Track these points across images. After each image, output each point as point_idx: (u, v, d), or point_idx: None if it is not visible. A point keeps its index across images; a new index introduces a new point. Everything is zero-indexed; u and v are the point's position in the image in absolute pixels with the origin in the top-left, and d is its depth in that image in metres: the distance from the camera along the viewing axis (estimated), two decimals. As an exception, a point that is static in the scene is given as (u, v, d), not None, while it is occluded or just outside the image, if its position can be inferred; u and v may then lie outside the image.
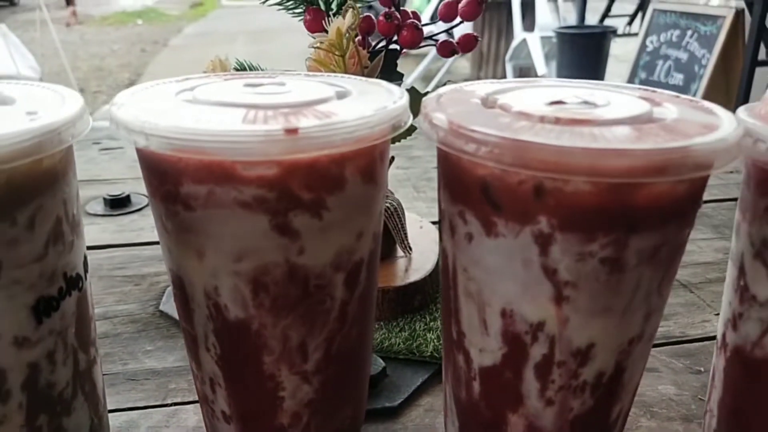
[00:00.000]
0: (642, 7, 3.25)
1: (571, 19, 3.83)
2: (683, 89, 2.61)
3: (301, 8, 0.40)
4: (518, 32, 4.53)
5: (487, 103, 0.24)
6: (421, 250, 0.46)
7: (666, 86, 2.57)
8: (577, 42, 3.09)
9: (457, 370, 0.26)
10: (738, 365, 0.24)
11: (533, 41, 4.46)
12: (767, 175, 0.22)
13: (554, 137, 0.19)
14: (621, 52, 3.99)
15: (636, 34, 2.89)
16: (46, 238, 0.22)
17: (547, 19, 4.46)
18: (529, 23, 4.66)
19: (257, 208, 0.21)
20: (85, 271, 0.25)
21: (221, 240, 0.22)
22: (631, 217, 0.20)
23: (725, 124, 0.21)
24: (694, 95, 2.67)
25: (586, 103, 0.23)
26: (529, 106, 0.22)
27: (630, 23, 3.65)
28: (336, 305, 0.25)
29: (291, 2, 0.41)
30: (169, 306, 0.44)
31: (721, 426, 0.26)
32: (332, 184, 0.22)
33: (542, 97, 0.23)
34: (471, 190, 0.22)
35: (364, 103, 0.23)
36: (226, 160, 0.20)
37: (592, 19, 4.01)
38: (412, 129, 0.38)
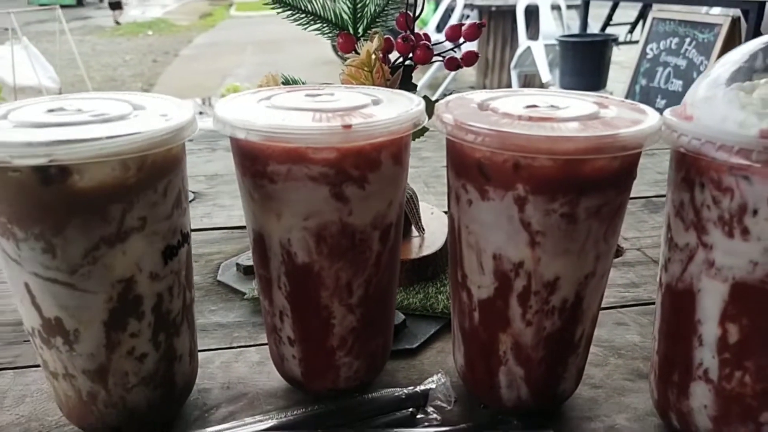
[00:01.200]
0: (643, 15, 3.34)
1: (575, 27, 3.91)
2: (682, 95, 2.68)
3: (314, 22, 0.49)
4: (523, 40, 4.63)
5: (482, 107, 0.33)
6: (432, 231, 0.55)
7: (666, 92, 2.66)
8: (579, 49, 3.18)
9: (461, 305, 0.35)
10: (668, 298, 0.33)
11: (537, 49, 4.54)
12: (680, 156, 0.31)
13: (527, 129, 0.29)
14: (623, 59, 4.07)
15: (637, 42, 2.98)
16: (172, 204, 0.31)
17: (551, 27, 4.55)
18: (533, 32, 4.75)
19: (321, 181, 0.31)
20: (190, 231, 0.34)
21: (294, 204, 0.31)
22: (581, 183, 0.29)
23: (648, 120, 0.30)
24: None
25: (552, 106, 0.32)
26: (511, 109, 0.31)
27: (631, 31, 3.74)
28: (373, 255, 0.34)
29: (304, 17, 0.49)
30: (225, 277, 0.53)
31: (660, 347, 0.35)
32: (372, 165, 0.31)
33: (521, 102, 0.33)
34: (470, 168, 0.31)
35: (393, 108, 0.33)
36: (302, 147, 0.30)
37: (595, 27, 4.09)
38: (424, 130, 0.48)
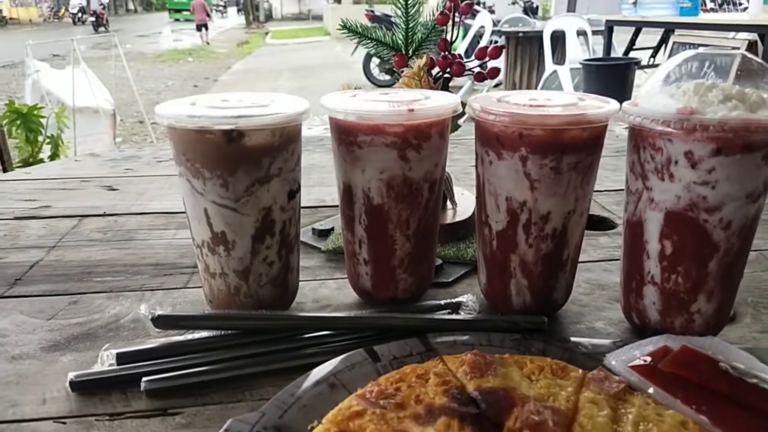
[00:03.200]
0: (664, 40, 3.47)
1: (600, 51, 4.06)
2: (702, 115, 2.79)
3: (378, 46, 0.66)
4: (549, 65, 4.79)
5: (499, 100, 0.49)
6: (463, 206, 0.71)
7: (686, 112, 2.76)
8: (603, 72, 3.33)
9: (484, 238, 0.51)
10: (627, 229, 0.48)
11: (564, 73, 4.68)
12: (631, 130, 0.46)
13: (528, 111, 0.44)
14: (647, 82, 4.18)
15: (659, 65, 3.11)
16: (295, 162, 0.48)
17: (577, 52, 4.70)
18: (559, 56, 4.90)
19: (392, 146, 0.47)
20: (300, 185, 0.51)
21: (373, 163, 0.48)
22: (563, 146, 0.45)
23: (609, 107, 0.46)
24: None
25: (547, 99, 0.48)
26: (518, 100, 0.47)
27: (654, 55, 3.86)
28: (424, 200, 0.50)
29: (370, 42, 0.67)
30: (305, 238, 0.70)
31: (624, 265, 0.49)
32: (425, 137, 0.48)
33: (526, 97, 0.49)
34: (490, 138, 0.47)
35: (439, 100, 0.49)
36: (380, 123, 0.46)
37: (619, 51, 4.22)
38: (457, 126, 0.64)
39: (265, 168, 0.45)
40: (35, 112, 2.64)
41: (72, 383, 0.42)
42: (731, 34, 2.88)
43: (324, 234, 0.70)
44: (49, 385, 0.44)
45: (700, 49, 0.48)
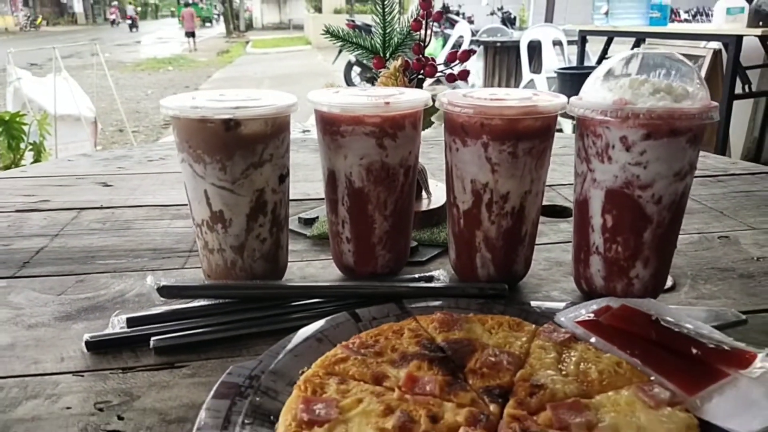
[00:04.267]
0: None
1: (575, 60, 4.18)
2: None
3: (357, 49, 0.73)
4: (526, 74, 4.92)
5: (464, 95, 0.56)
6: (436, 196, 0.77)
7: (655, 118, 2.88)
8: (577, 80, 3.44)
9: (452, 217, 0.58)
10: (576, 207, 0.55)
11: (540, 81, 4.81)
12: (578, 120, 0.53)
13: (488, 103, 0.51)
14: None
15: (630, 75, 3.23)
16: (285, 149, 0.54)
17: (552, 61, 4.83)
18: (536, 65, 5.03)
19: (371, 135, 0.53)
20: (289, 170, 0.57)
21: (354, 150, 0.54)
22: (518, 134, 0.52)
23: (558, 100, 0.53)
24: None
25: (506, 94, 0.55)
26: (481, 95, 0.54)
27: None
28: (399, 183, 0.56)
29: (351, 46, 0.73)
30: (292, 226, 0.76)
31: (574, 239, 0.56)
32: (400, 127, 0.54)
33: (488, 93, 0.56)
34: (456, 127, 0.54)
35: (413, 95, 0.56)
36: (360, 114, 0.53)
37: (593, 60, 4.36)
38: (430, 123, 0.71)
39: (259, 153, 0.52)
40: (17, 119, 2.65)
41: (87, 343, 0.48)
42: (702, 44, 3.01)
43: (309, 222, 0.76)
44: (65, 347, 0.49)
45: (635, 50, 0.55)
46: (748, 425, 0.37)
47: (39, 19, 29.79)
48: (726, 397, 0.40)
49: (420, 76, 0.72)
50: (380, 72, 0.69)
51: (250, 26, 31.68)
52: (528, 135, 0.52)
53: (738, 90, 2.68)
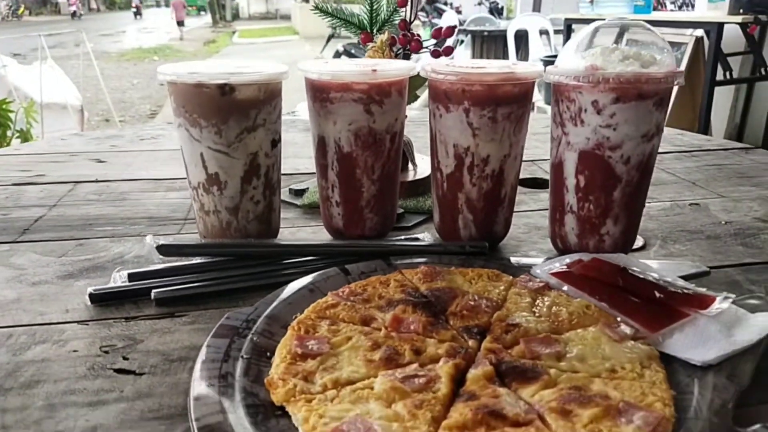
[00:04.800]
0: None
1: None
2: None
3: (346, 25, 0.76)
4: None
5: (447, 65, 0.59)
6: (422, 167, 0.81)
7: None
8: (563, 68, 3.49)
9: (436, 181, 0.61)
10: (552, 170, 0.59)
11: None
12: (553, 86, 0.56)
13: (470, 71, 0.55)
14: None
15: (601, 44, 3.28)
16: (277, 115, 0.57)
17: (539, 50, 4.87)
18: (523, 54, 5.06)
19: (359, 101, 0.56)
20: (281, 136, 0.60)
21: (343, 116, 0.57)
22: (498, 99, 0.55)
23: (535, 68, 0.56)
24: (663, 112, 2.99)
25: (487, 63, 0.58)
26: (463, 65, 0.58)
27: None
28: (386, 149, 0.60)
29: (339, 21, 0.76)
30: (283, 196, 0.79)
31: (550, 200, 0.60)
32: (386, 94, 0.57)
33: (470, 63, 0.59)
34: (439, 94, 0.57)
35: (399, 64, 0.59)
36: (349, 81, 0.56)
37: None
38: (416, 97, 0.75)
39: (253, 118, 0.55)
40: (4, 106, 2.65)
41: (91, 295, 0.51)
42: (689, 31, 3.06)
43: (300, 193, 0.79)
44: (69, 301, 0.52)
45: (604, 21, 0.58)
46: (704, 356, 0.41)
47: (21, 9, 29.32)
48: (686, 334, 0.44)
49: (406, 51, 0.75)
50: (367, 47, 0.72)
51: (236, 16, 31.40)
52: (507, 100, 0.55)
53: (719, 77, 2.74)
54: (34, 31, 4.33)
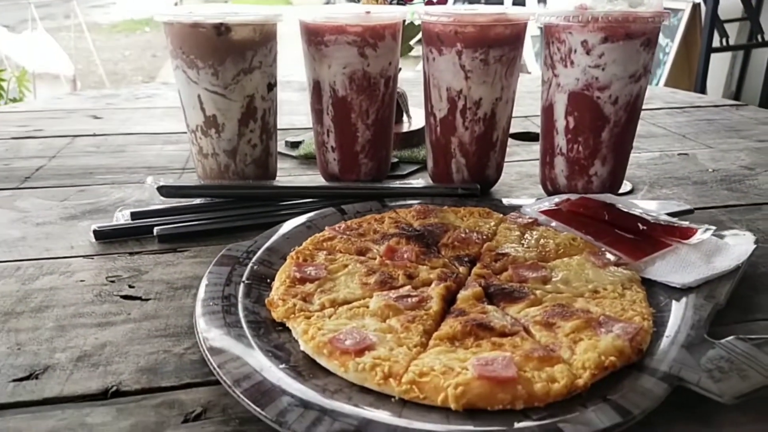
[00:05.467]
0: None
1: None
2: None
3: None
4: (532, 5, 4.89)
5: (442, 8, 0.60)
6: (416, 119, 0.82)
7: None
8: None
9: (430, 126, 0.62)
10: (542, 113, 0.60)
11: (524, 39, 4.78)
12: (545, 28, 0.57)
13: (462, 12, 0.56)
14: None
15: None
16: (272, 58, 0.58)
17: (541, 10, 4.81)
18: None
19: (353, 44, 0.57)
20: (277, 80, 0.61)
21: (338, 59, 0.58)
22: (490, 41, 0.56)
23: (527, 9, 0.57)
24: (659, 79, 3.00)
25: (480, 7, 0.59)
26: (457, 8, 0.58)
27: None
28: (380, 93, 0.61)
29: None
30: (280, 148, 0.80)
31: (540, 143, 0.62)
32: (380, 37, 0.58)
33: (463, 6, 0.60)
34: (433, 37, 0.58)
35: (392, 8, 0.60)
36: (343, 24, 0.57)
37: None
38: (409, 48, 0.75)
39: (249, 60, 0.56)
40: (-5, 73, 2.62)
41: (95, 232, 0.52)
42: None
43: (295, 145, 0.80)
44: (74, 239, 0.53)
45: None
46: (684, 279, 0.43)
47: (8, -20, 28.73)
48: (667, 261, 0.46)
49: (400, 1, 0.76)
50: (362, -5, 0.72)
51: (229, -13, 30.88)
52: (499, 42, 0.57)
53: (716, 43, 2.72)
54: (23, 0, 4.26)
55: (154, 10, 0.58)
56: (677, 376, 0.33)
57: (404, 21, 0.61)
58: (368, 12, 0.56)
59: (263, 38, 0.56)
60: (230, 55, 0.54)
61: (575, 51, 0.54)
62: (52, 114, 1.00)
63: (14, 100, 2.77)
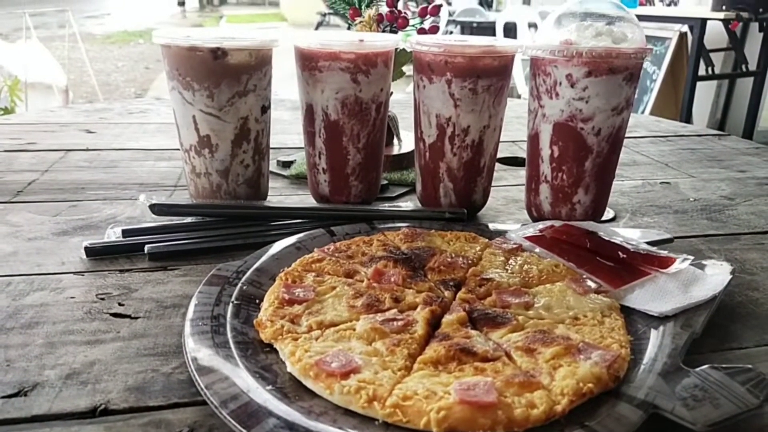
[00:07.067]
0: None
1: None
2: (637, 101, 3.04)
3: (344, 6, 0.79)
4: (501, 53, 4.96)
5: (430, 38, 0.62)
6: (406, 143, 0.84)
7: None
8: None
9: (419, 151, 0.64)
10: (529, 142, 0.62)
11: (515, 63, 4.85)
12: (531, 61, 0.59)
13: (453, 44, 0.57)
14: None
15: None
16: (267, 82, 0.59)
17: (528, 43, 4.88)
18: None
19: (346, 70, 0.59)
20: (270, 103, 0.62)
21: (331, 84, 0.60)
22: (478, 72, 0.58)
23: (514, 42, 0.59)
24: (646, 106, 3.06)
25: (469, 39, 0.61)
26: (447, 39, 0.60)
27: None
28: (372, 117, 0.62)
29: (339, 3, 0.79)
30: (272, 168, 0.81)
31: (527, 170, 0.63)
32: (372, 64, 0.60)
33: (453, 37, 0.62)
34: (423, 66, 0.60)
35: (385, 37, 0.62)
36: (337, 51, 0.58)
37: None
38: (401, 73, 0.77)
39: (244, 83, 0.57)
40: (-13, 82, 2.62)
41: (87, 249, 0.53)
42: (675, 26, 3.10)
43: (287, 164, 0.81)
44: (65, 255, 0.54)
45: (579, 2, 0.61)
46: (662, 308, 0.45)
47: (2, -12, 28.75)
48: (646, 289, 0.47)
49: (392, 28, 0.78)
50: (356, 22, 0.74)
51: (224, 1, 31.04)
52: (487, 73, 0.58)
53: (702, 72, 2.79)
54: (18, 9, 4.27)
55: (150, 24, 0.59)
56: (653, 403, 0.34)
57: (396, 48, 0.63)
58: (361, 40, 0.58)
59: (258, 62, 0.57)
60: (226, 79, 0.56)
61: (560, 84, 0.56)
62: (45, 127, 1.00)
63: (5, 110, 2.77)
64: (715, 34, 2.90)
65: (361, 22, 0.72)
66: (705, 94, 3.21)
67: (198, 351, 0.37)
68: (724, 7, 2.70)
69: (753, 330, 0.46)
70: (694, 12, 2.78)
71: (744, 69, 3.01)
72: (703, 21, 2.69)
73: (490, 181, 0.66)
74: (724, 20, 2.71)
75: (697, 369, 0.37)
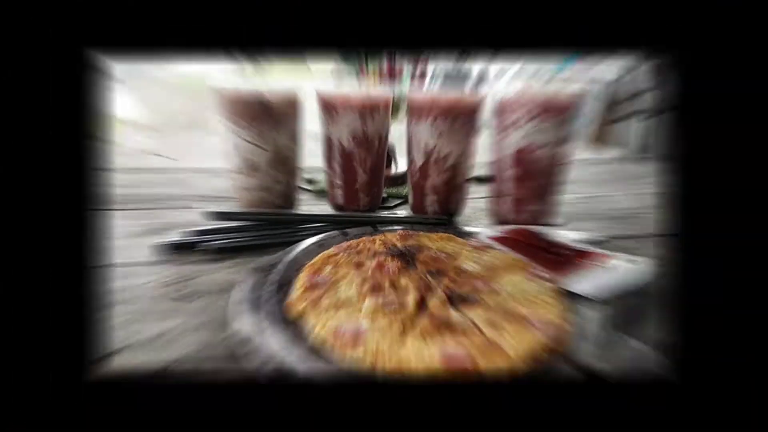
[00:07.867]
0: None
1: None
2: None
3: (356, 66, 0.79)
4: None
5: (423, 90, 0.62)
6: (401, 165, 0.83)
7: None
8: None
9: (411, 172, 0.64)
10: (494, 165, 0.62)
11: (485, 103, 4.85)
12: (501, 106, 0.59)
13: (436, 94, 0.57)
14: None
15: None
16: (300, 121, 0.59)
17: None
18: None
19: (356, 111, 0.59)
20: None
21: (345, 122, 0.60)
22: (456, 112, 0.58)
23: (481, 94, 0.59)
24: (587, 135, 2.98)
25: (450, 91, 0.61)
26: (433, 90, 0.60)
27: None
28: (375, 147, 0.62)
29: (351, 63, 0.79)
30: (303, 185, 0.81)
31: (492, 187, 0.63)
32: (376, 108, 0.60)
33: (438, 90, 0.62)
34: (414, 108, 0.60)
35: (386, 90, 0.62)
36: (350, 98, 0.58)
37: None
38: (399, 112, 0.77)
39: (282, 122, 0.57)
40: None
41: (159, 245, 0.53)
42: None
43: (312, 182, 0.81)
44: (141, 251, 0.54)
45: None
46: (596, 292, 0.44)
47: None
48: (584, 278, 0.47)
49: (391, 79, 0.78)
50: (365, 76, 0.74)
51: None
52: (462, 113, 0.58)
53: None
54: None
55: (207, 74, 0.59)
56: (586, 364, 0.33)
57: (394, 97, 0.63)
58: (368, 92, 0.58)
59: (294, 108, 0.57)
60: (267, 120, 0.56)
61: (518, 120, 0.56)
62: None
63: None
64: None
65: (367, 77, 0.72)
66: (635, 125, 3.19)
67: (242, 323, 0.37)
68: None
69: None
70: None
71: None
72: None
73: (465, 195, 0.65)
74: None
75: (630, 339, 0.37)
